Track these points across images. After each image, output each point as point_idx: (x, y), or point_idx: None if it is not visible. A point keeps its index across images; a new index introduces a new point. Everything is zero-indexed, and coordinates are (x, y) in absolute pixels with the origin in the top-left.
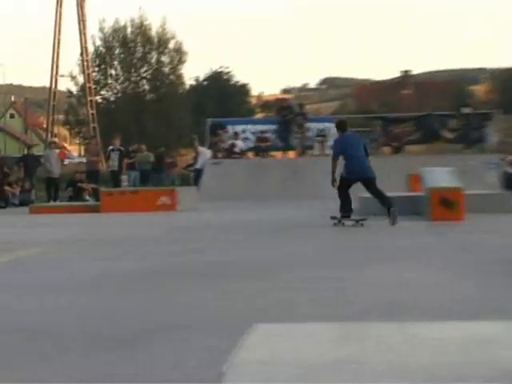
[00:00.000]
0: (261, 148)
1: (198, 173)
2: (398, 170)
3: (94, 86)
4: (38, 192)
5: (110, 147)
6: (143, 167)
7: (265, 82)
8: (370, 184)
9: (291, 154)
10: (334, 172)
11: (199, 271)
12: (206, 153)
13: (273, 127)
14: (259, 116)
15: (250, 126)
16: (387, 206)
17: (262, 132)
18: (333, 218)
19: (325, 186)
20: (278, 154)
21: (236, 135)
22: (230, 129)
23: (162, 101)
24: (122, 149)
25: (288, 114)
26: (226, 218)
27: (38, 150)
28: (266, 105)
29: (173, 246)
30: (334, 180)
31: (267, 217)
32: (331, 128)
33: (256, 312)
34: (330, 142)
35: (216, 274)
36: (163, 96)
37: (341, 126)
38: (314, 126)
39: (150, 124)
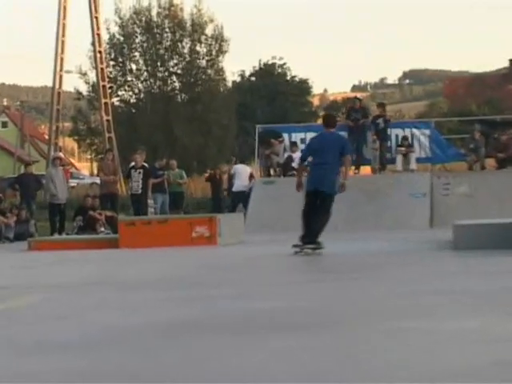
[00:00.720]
0: None
1: (236, 197)
2: (507, 189)
3: (109, 85)
4: (38, 222)
5: (131, 164)
6: (174, 189)
7: (330, 77)
8: (323, 201)
9: (365, 170)
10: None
11: (241, 322)
12: (243, 171)
13: (342, 135)
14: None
15: (311, 134)
16: (309, 239)
17: None
18: (294, 245)
19: (412, 213)
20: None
21: (294, 146)
22: (286, 138)
23: (198, 102)
24: (146, 166)
25: (361, 118)
26: (280, 254)
27: (38, 169)
28: (333, 106)
29: (211, 289)
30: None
31: (334, 252)
32: (419, 135)
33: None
34: (418, 154)
35: (266, 326)
36: (199, 96)
37: (325, 121)
38: (395, 133)
39: (181, 133)
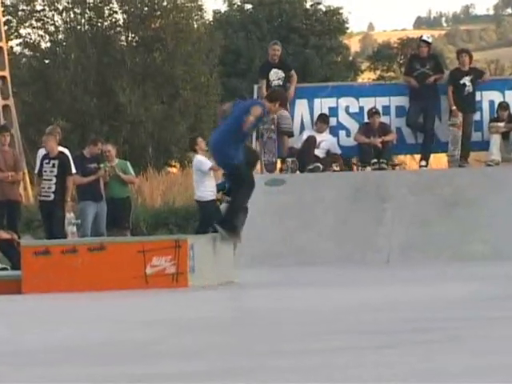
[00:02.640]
0: (369, 150)
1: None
2: None
3: (4, 19)
4: None
5: (41, 152)
6: (115, 193)
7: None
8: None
9: (438, 161)
10: None
11: None
12: (203, 162)
13: (397, 101)
14: (367, 78)
15: (347, 100)
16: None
17: (373, 112)
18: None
19: None
20: (410, 161)
21: (320, 121)
22: (305, 106)
23: (155, 48)
24: (65, 153)
25: (431, 73)
26: (293, 308)
27: None
28: (382, 53)
29: (171, 369)
30: None
31: (373, 301)
32: None
33: None
34: None
35: None
36: (157, 37)
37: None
38: (488, 99)
39: (127, 99)
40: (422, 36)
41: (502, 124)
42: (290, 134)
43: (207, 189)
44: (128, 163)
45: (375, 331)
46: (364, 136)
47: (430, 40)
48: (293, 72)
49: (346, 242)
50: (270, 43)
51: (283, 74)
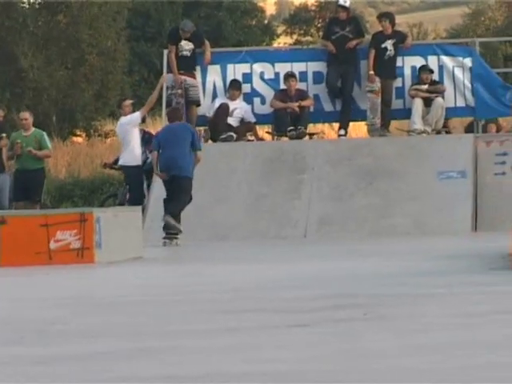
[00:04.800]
0: (286, 117)
1: (131, 175)
2: None
3: None
4: None
5: None
6: (27, 165)
7: None
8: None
9: (357, 129)
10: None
11: None
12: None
13: (315, 67)
14: (283, 43)
15: (261, 66)
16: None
17: (289, 75)
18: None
19: (441, 206)
20: (328, 131)
21: (233, 88)
22: (218, 72)
23: (58, 11)
24: None
25: (350, 37)
26: (206, 285)
27: None
28: (299, 17)
29: (79, 347)
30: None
31: (301, 273)
32: (452, 68)
33: None
34: (451, 100)
35: None
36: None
37: (169, 118)
38: (410, 64)
39: (29, 64)
40: (338, 1)
41: (424, 87)
42: (197, 103)
43: (132, 154)
44: (45, 134)
45: (292, 309)
46: (280, 102)
47: (347, 4)
48: (206, 42)
49: (261, 216)
50: (181, 23)
51: (193, 46)
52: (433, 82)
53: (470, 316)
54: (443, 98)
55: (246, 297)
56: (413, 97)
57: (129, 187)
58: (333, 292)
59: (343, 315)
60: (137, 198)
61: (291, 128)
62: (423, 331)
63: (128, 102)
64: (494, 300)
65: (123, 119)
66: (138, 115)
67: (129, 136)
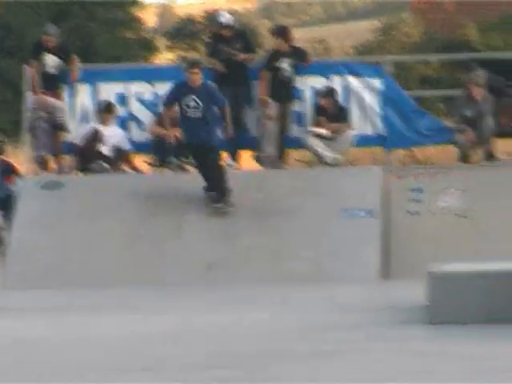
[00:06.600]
0: (166, 147)
1: None
2: None
3: None
4: None
5: None
6: None
7: None
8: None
9: (249, 160)
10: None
11: None
12: None
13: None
14: (165, 59)
15: (139, 85)
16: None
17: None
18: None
19: (345, 249)
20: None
21: (105, 111)
22: (87, 91)
23: None
24: None
25: (239, 53)
26: (65, 338)
27: None
28: (184, 29)
29: None
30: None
31: (170, 330)
32: (359, 90)
33: None
34: (358, 127)
35: None
36: None
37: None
38: (310, 85)
39: None
40: (217, 16)
41: (322, 131)
42: (64, 129)
43: None
44: None
45: (166, 368)
46: (160, 127)
47: (229, 22)
48: (72, 56)
49: (139, 259)
50: (44, 27)
51: (59, 62)
52: (337, 108)
53: (375, 380)
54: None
55: (112, 353)
56: (315, 126)
57: None
58: (215, 349)
59: (227, 375)
60: None
61: (173, 159)
62: None
63: None
64: (404, 359)
65: None
66: None
67: None
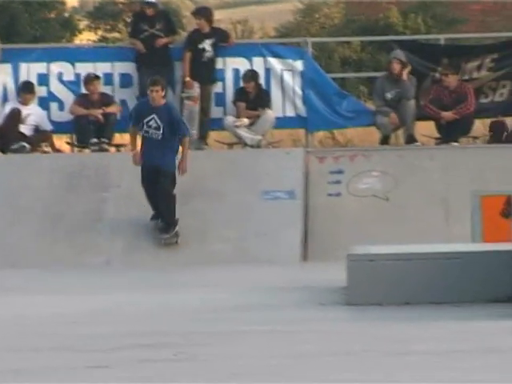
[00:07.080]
0: (88, 125)
1: None
2: (457, 182)
3: None
4: None
5: None
6: None
7: None
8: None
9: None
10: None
11: None
12: None
13: (122, 68)
14: (86, 40)
15: (60, 65)
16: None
17: (91, 79)
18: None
19: (266, 231)
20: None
21: (25, 91)
22: (8, 71)
23: None
24: None
25: (160, 35)
26: None
27: None
28: (106, 9)
29: None
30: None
31: (92, 311)
32: (280, 72)
33: None
34: (279, 109)
35: None
36: None
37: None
38: (232, 67)
39: None
40: None
41: (245, 121)
42: None
43: None
44: None
45: (90, 347)
46: (81, 107)
47: (154, 0)
48: None
49: (59, 241)
50: None
51: None
52: (259, 91)
53: (294, 357)
54: (271, 108)
55: (34, 333)
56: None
57: None
58: (139, 329)
59: (150, 355)
60: None
61: (95, 141)
62: (239, 374)
63: None
64: (323, 339)
65: None
66: None
67: None
